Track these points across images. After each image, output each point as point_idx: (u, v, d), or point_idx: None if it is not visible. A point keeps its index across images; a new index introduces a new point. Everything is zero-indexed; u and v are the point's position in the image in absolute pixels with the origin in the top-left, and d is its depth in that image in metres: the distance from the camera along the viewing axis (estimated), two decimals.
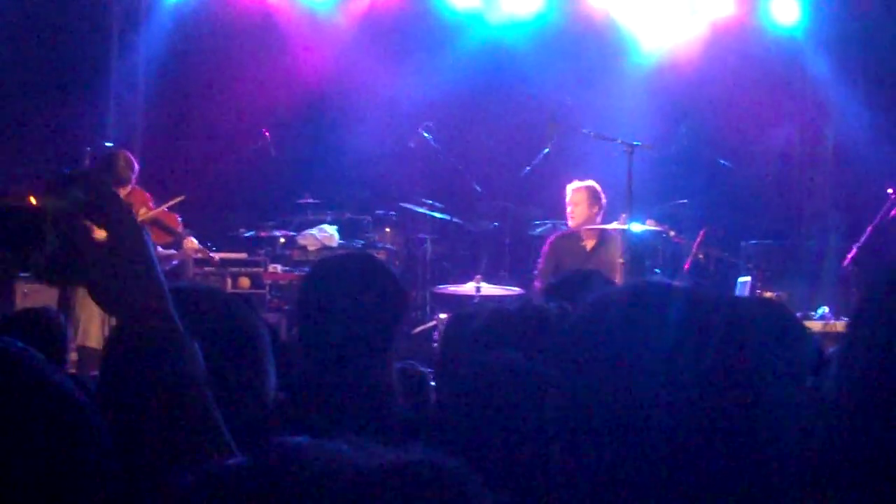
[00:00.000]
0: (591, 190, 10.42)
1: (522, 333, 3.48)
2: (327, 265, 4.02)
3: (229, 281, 11.98)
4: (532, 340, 3.43)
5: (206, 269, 11.80)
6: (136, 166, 10.14)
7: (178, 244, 10.52)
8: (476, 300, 10.00)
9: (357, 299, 3.77)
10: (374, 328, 3.76)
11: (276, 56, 13.38)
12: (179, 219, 10.52)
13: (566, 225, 10.68)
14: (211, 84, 13.35)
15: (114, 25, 13.13)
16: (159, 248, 10.41)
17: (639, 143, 10.04)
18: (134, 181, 10.26)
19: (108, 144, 12.34)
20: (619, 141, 10.10)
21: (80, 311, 9.50)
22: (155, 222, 10.19)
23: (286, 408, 3.16)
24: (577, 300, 4.59)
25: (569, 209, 10.46)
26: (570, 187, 10.47)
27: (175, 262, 10.90)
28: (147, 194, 10.29)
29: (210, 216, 12.58)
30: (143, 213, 10.06)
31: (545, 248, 10.50)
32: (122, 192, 10.00)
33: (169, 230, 10.33)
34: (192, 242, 10.55)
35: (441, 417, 2.84)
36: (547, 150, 11.57)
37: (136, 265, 1.74)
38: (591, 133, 10.81)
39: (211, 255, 11.04)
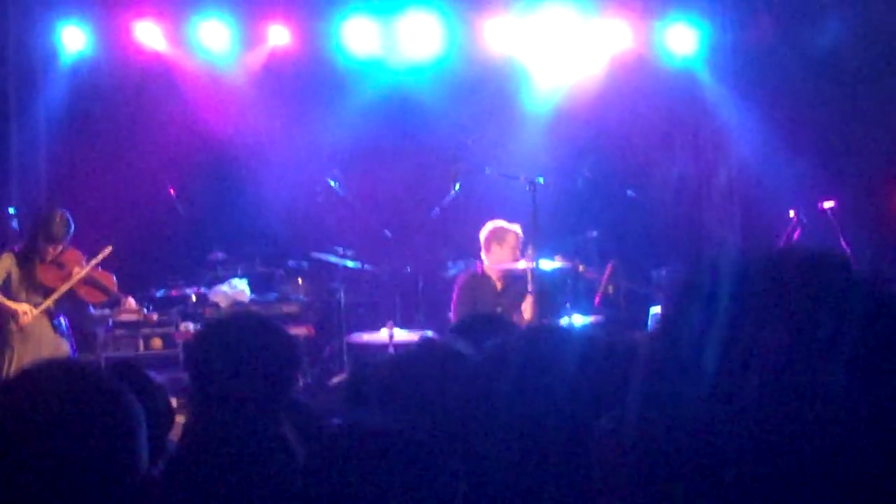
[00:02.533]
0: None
1: (425, 378, 3.48)
2: (213, 328, 3.99)
3: (141, 342, 11.86)
4: (435, 385, 3.44)
5: (118, 332, 11.68)
6: (72, 226, 10.01)
7: (113, 303, 10.41)
8: (389, 347, 9.98)
9: (246, 360, 3.75)
10: (262, 386, 3.75)
11: (178, 111, 13.29)
12: (114, 278, 10.40)
13: (477, 265, 10.70)
14: (113, 142, 13.23)
15: (10, 89, 12.98)
16: (91, 309, 10.34)
17: (542, 180, 10.10)
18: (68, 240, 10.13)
19: (10, 210, 12.20)
20: (522, 178, 10.17)
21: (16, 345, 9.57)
22: (89, 282, 10.08)
23: (159, 485, 3.12)
24: (481, 342, 4.62)
25: (508, 252, 10.39)
26: (515, 230, 10.43)
27: (110, 322, 10.82)
28: (80, 253, 10.16)
29: (119, 276, 12.43)
30: (76, 272, 9.95)
31: (455, 289, 10.52)
32: (55, 251, 9.89)
33: (103, 289, 10.22)
34: (130, 303, 10.44)
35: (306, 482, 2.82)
36: (454, 192, 11.59)
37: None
38: (495, 172, 10.88)
39: (147, 314, 10.90)
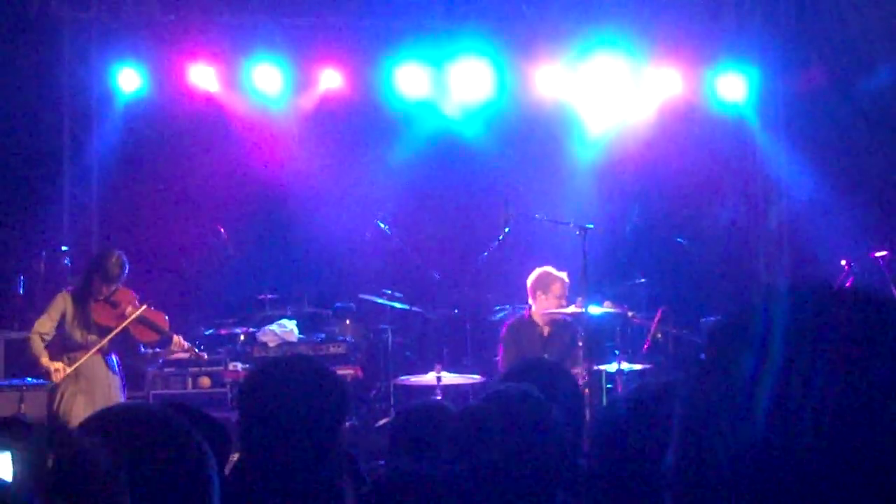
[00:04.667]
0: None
1: (521, 427, 3.51)
2: (264, 371, 4.00)
3: (189, 381, 11.91)
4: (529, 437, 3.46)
5: (166, 370, 11.74)
6: (127, 266, 10.10)
7: (165, 342, 10.48)
8: (437, 390, 9.97)
9: (297, 403, 3.77)
10: (312, 428, 3.76)
11: (230, 152, 13.40)
12: (166, 317, 10.48)
13: (524, 310, 10.69)
14: (165, 182, 13.34)
15: (65, 127, 13.14)
16: (142, 349, 10.42)
17: (591, 226, 10.08)
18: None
19: (63, 248, 12.32)
20: (572, 224, 10.15)
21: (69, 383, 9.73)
22: (142, 321, 10.16)
23: None
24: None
25: (553, 300, 10.39)
26: (562, 278, 10.44)
27: (161, 361, 10.89)
28: (132, 293, 10.25)
29: (169, 315, 12.52)
30: (130, 312, 10.04)
31: (502, 335, 10.51)
32: (109, 291, 9.98)
33: (156, 328, 10.30)
34: (182, 343, 10.50)
35: None
36: (502, 236, 11.61)
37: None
38: (545, 218, 10.88)
39: (199, 353, 10.96)
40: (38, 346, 9.77)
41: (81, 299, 9.93)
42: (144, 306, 10.19)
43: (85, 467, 1.79)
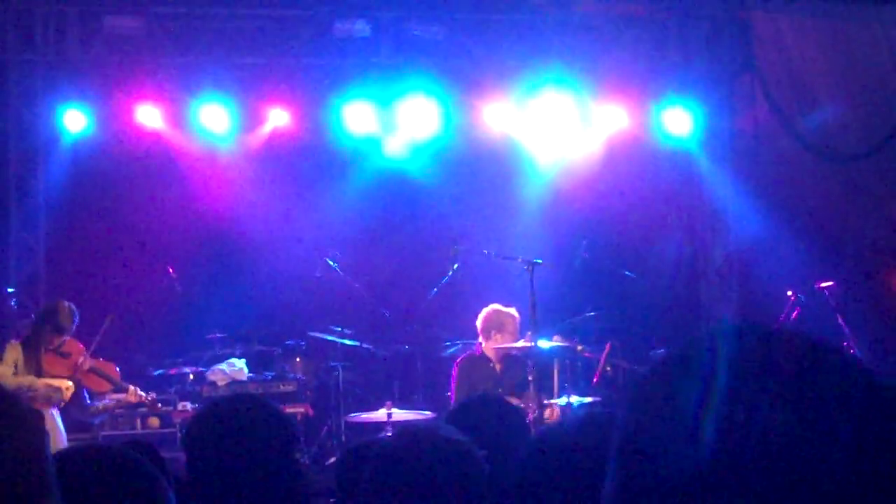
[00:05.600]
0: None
1: (436, 472, 3.48)
2: (211, 411, 4.00)
3: (139, 421, 11.83)
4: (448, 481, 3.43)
5: (117, 411, 11.66)
6: (77, 317, 10.10)
7: (117, 391, 10.45)
8: (387, 427, 9.95)
9: (244, 442, 3.77)
10: (259, 466, 3.76)
11: (178, 191, 13.37)
12: (117, 368, 10.49)
13: (476, 346, 10.70)
14: (113, 222, 13.30)
15: (11, 168, 13.06)
16: (94, 403, 10.34)
17: (540, 261, 10.14)
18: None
19: (9, 290, 12.23)
20: (520, 259, 10.21)
21: None
22: (94, 371, 10.18)
23: None
24: (481, 426, 4.64)
25: (508, 337, 10.43)
26: (513, 314, 10.48)
27: (108, 414, 10.80)
28: (81, 344, 10.25)
29: (117, 355, 12.43)
30: (81, 362, 10.04)
31: (454, 371, 10.52)
32: (58, 342, 9.95)
33: (108, 378, 10.31)
34: (136, 391, 10.48)
35: None
36: (451, 272, 11.64)
37: (26, 462, 1.74)
38: (493, 253, 10.92)
39: (151, 402, 10.90)
40: (23, 379, 9.69)
41: (31, 350, 9.89)
42: (94, 359, 10.21)
43: None
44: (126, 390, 10.41)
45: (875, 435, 1.41)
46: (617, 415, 1.55)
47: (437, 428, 3.74)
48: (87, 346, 10.37)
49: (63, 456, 2.68)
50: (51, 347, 9.94)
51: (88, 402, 10.38)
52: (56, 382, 9.80)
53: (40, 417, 1.83)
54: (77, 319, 10.12)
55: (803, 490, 1.37)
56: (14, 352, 9.87)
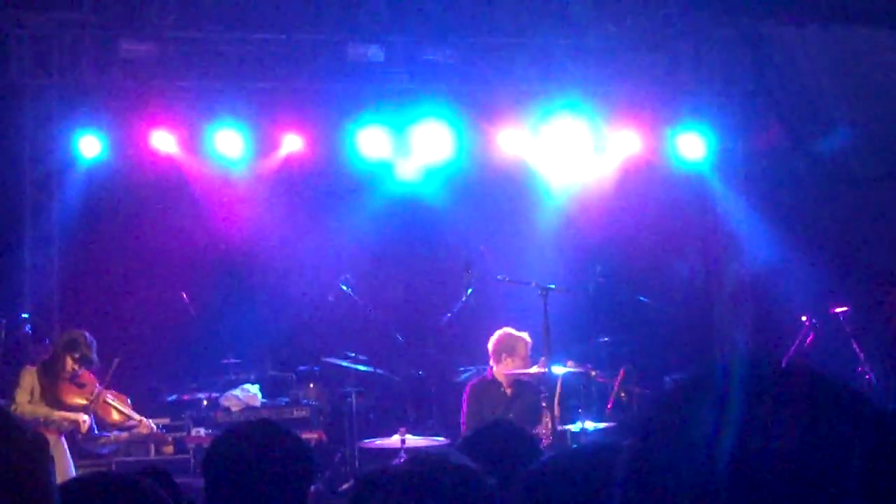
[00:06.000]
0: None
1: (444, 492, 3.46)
2: (229, 437, 3.99)
3: (152, 447, 11.81)
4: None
5: (171, 438, 11.66)
6: (95, 347, 10.22)
7: (129, 422, 10.51)
8: (401, 453, 9.92)
9: (263, 468, 3.76)
10: (277, 493, 3.74)
11: (192, 216, 13.38)
12: (129, 399, 10.54)
13: (487, 371, 10.68)
14: (126, 247, 13.30)
15: (26, 193, 13.09)
16: (103, 433, 10.39)
17: (553, 286, 10.13)
18: None
19: (24, 316, 12.25)
20: (534, 284, 10.19)
21: None
22: (107, 402, 10.26)
23: None
24: (494, 453, 4.61)
25: (519, 361, 10.40)
26: (524, 338, 10.45)
27: (116, 446, 10.82)
28: (92, 375, 10.31)
29: (131, 380, 12.45)
30: (97, 392, 10.13)
31: (465, 396, 10.49)
32: (76, 371, 10.03)
33: (120, 410, 10.38)
34: (148, 424, 10.55)
35: None
36: (465, 297, 11.64)
37: (29, 490, 1.75)
38: (506, 279, 10.91)
39: (163, 434, 10.93)
40: (39, 409, 9.75)
41: (49, 378, 9.94)
42: (107, 384, 10.27)
43: None
44: (139, 423, 10.46)
45: (884, 463, 1.43)
46: (624, 442, 1.56)
47: (449, 455, 3.72)
48: (99, 378, 10.42)
49: (76, 483, 2.69)
50: (67, 377, 10.00)
51: (96, 432, 10.41)
52: (72, 416, 9.85)
53: (45, 443, 1.83)
54: (95, 350, 10.23)
55: None
56: (31, 378, 9.92)
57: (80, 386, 10.12)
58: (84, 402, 10.07)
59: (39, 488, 1.78)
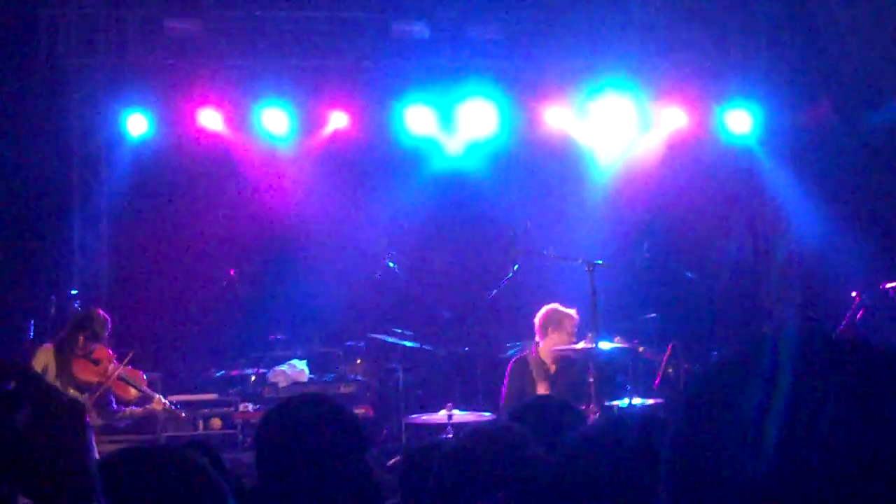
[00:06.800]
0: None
1: (496, 463, 3.46)
2: (282, 410, 4.00)
3: (200, 423, 11.90)
4: (506, 472, 3.41)
5: (183, 414, 11.74)
6: (109, 325, 10.32)
7: (144, 399, 10.59)
8: (448, 428, 9.93)
9: (315, 441, 3.77)
10: (330, 466, 3.75)
11: (238, 193, 13.45)
12: (143, 375, 10.63)
13: (531, 347, 10.65)
14: (174, 225, 13.38)
15: (74, 171, 13.20)
16: (123, 408, 10.48)
17: (600, 262, 10.09)
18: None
19: (73, 292, 12.35)
20: (581, 261, 10.15)
21: None
22: (122, 378, 10.34)
23: None
24: (543, 427, 4.60)
25: (565, 337, 10.36)
26: (571, 314, 10.41)
27: (132, 419, 10.90)
28: (110, 351, 10.41)
29: (179, 357, 12.56)
30: (112, 369, 10.19)
31: (507, 371, 10.47)
32: (90, 348, 10.13)
33: (135, 386, 10.48)
34: (160, 400, 10.64)
35: None
36: (512, 272, 11.62)
37: (68, 452, 1.76)
38: (553, 254, 10.87)
39: (176, 410, 11.01)
40: None
41: (63, 355, 10.08)
42: (123, 366, 10.37)
43: None
44: (152, 399, 10.57)
45: None
46: (669, 416, 1.54)
47: (499, 426, 3.72)
48: (116, 356, 10.52)
49: (124, 455, 2.70)
50: (81, 354, 10.12)
51: (115, 407, 10.51)
52: (73, 395, 9.94)
53: (82, 409, 1.85)
54: (110, 327, 10.33)
55: (867, 496, 1.35)
56: (46, 356, 10.07)
57: (95, 363, 10.24)
58: (97, 377, 10.19)
59: (77, 451, 1.80)
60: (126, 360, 10.48)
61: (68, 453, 1.77)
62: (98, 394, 10.14)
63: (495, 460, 3.45)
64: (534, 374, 10.32)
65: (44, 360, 10.05)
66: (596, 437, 3.00)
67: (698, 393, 1.51)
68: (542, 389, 10.08)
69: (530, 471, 3.40)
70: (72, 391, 9.99)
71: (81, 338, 10.15)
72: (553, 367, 10.42)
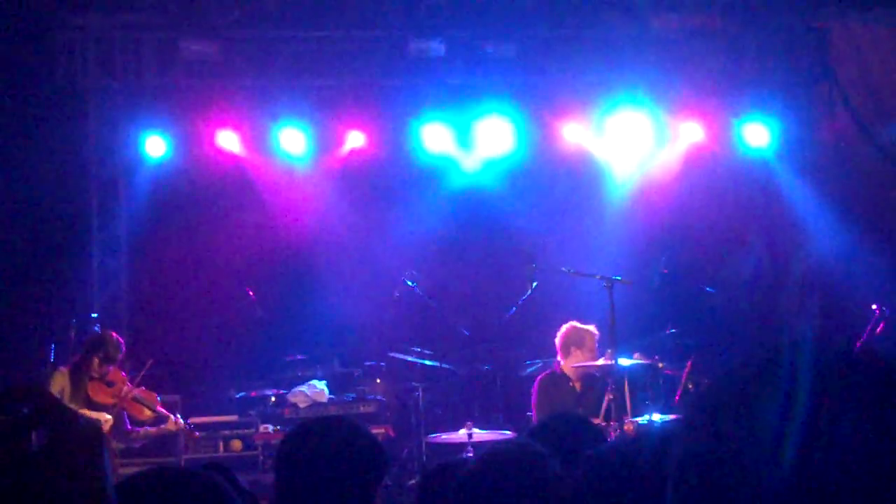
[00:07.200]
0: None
1: (515, 482, 3.46)
2: (302, 432, 4.00)
3: (221, 444, 11.92)
4: (525, 491, 3.41)
5: (197, 433, 11.75)
6: (123, 348, 10.39)
7: (159, 420, 10.63)
8: (468, 447, 9.92)
9: (335, 464, 3.76)
10: (353, 491, 3.75)
11: (257, 214, 13.48)
12: (157, 397, 10.67)
13: (555, 364, 10.64)
14: (193, 246, 13.41)
15: (93, 194, 13.25)
16: (138, 429, 10.51)
17: (619, 278, 10.08)
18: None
19: (93, 315, 12.39)
20: (599, 277, 10.15)
21: None
22: (137, 400, 10.38)
23: None
24: (563, 444, 4.59)
25: (587, 354, 10.37)
26: (591, 331, 10.42)
27: (148, 440, 10.93)
28: (123, 373, 10.48)
29: (199, 378, 12.58)
30: (126, 391, 10.25)
31: (535, 390, 10.47)
32: (104, 371, 10.19)
33: (150, 407, 10.51)
34: (176, 420, 10.67)
35: None
36: (530, 290, 11.61)
37: (84, 476, 1.77)
38: (571, 271, 10.87)
39: (191, 431, 11.03)
40: None
41: (78, 377, 10.15)
42: (138, 388, 10.43)
43: None
44: (167, 419, 10.60)
45: None
46: (681, 428, 1.53)
47: (515, 439, 3.72)
48: (131, 380, 10.56)
49: (141, 477, 2.71)
50: (96, 376, 10.20)
51: (129, 427, 10.56)
52: (95, 415, 10.00)
53: (99, 432, 1.85)
54: (123, 349, 10.40)
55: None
56: (62, 379, 10.14)
57: (109, 385, 10.32)
58: (113, 400, 10.26)
59: (94, 476, 1.80)
60: (139, 378, 10.52)
61: (85, 478, 1.77)
62: (114, 414, 10.21)
63: (514, 480, 3.45)
64: (560, 391, 10.32)
65: (60, 383, 10.11)
66: (615, 455, 2.99)
67: (712, 405, 1.50)
68: (569, 406, 10.08)
69: (550, 490, 3.39)
70: (88, 413, 10.05)
71: (96, 360, 10.21)
72: (578, 385, 10.42)
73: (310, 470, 3.74)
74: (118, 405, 10.30)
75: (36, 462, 1.74)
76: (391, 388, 12.85)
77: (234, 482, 4.20)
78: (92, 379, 10.24)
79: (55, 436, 1.77)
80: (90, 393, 10.21)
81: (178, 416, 10.80)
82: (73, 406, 9.92)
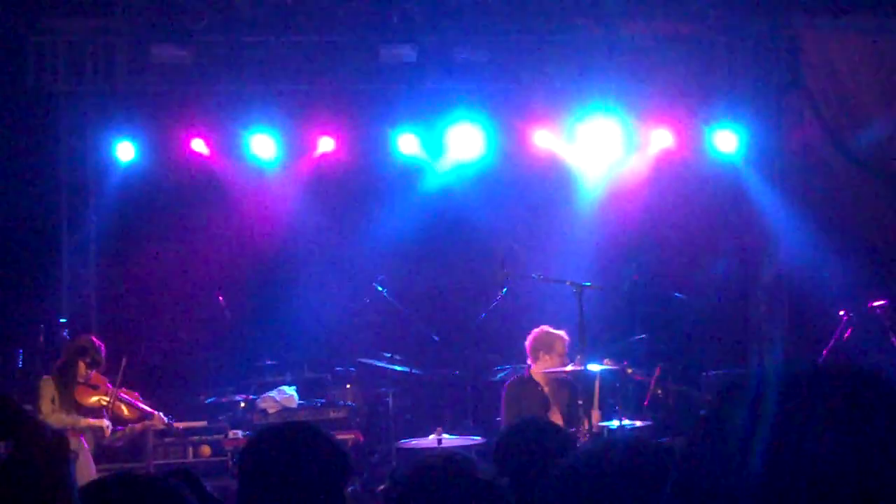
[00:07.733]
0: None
1: (448, 491, 3.47)
2: (264, 439, 4.00)
3: (190, 450, 11.88)
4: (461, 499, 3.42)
5: (167, 439, 11.70)
6: (104, 350, 10.46)
7: (144, 417, 10.66)
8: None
9: (296, 469, 3.76)
10: (317, 497, 3.75)
11: (227, 219, 13.44)
12: (139, 395, 10.69)
13: (524, 370, 10.66)
14: (163, 251, 13.36)
15: (62, 199, 13.19)
16: (121, 428, 10.52)
17: (588, 284, 10.11)
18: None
19: (62, 321, 12.34)
20: (569, 282, 10.17)
21: None
22: (120, 400, 10.43)
23: None
24: (529, 451, 4.61)
25: (556, 359, 10.37)
26: (562, 336, 10.43)
27: (130, 438, 10.92)
28: (103, 376, 10.50)
29: (168, 384, 12.52)
30: (111, 392, 10.33)
31: (503, 395, 10.48)
32: (88, 374, 10.24)
33: (134, 406, 10.53)
34: (160, 419, 10.70)
35: None
36: (500, 296, 11.63)
37: (49, 485, 1.76)
38: (541, 277, 10.89)
39: (173, 424, 11.04)
40: (67, 418, 9.95)
41: (64, 384, 10.18)
42: (119, 382, 10.46)
43: None
44: (152, 417, 10.65)
45: None
46: (673, 446, 1.57)
47: (440, 456, 3.72)
48: (109, 378, 10.58)
49: (102, 483, 2.71)
50: (82, 381, 10.24)
51: (113, 427, 10.59)
52: (97, 423, 10.09)
53: (66, 444, 1.85)
54: (104, 353, 10.44)
55: None
56: (49, 387, 10.18)
57: (94, 387, 10.37)
58: (100, 401, 10.29)
59: (59, 487, 1.79)
60: (119, 378, 10.51)
61: (50, 487, 1.77)
62: (106, 417, 10.27)
63: (448, 489, 3.46)
64: (529, 396, 10.33)
65: (50, 391, 10.17)
66: (585, 462, 3.00)
67: (698, 423, 1.54)
68: (539, 411, 10.09)
69: (485, 493, 3.41)
70: (88, 421, 10.14)
71: (82, 365, 10.27)
72: (547, 389, 10.44)
73: (271, 476, 3.73)
74: (111, 406, 10.34)
75: (1, 472, 1.74)
76: (361, 393, 12.85)
77: (201, 490, 4.19)
78: (79, 384, 10.28)
79: (20, 446, 1.77)
80: (78, 397, 10.25)
81: (161, 413, 10.82)
82: (62, 412, 9.96)
